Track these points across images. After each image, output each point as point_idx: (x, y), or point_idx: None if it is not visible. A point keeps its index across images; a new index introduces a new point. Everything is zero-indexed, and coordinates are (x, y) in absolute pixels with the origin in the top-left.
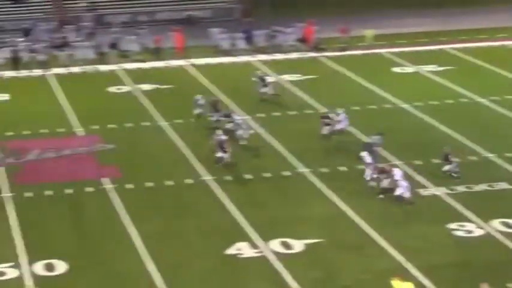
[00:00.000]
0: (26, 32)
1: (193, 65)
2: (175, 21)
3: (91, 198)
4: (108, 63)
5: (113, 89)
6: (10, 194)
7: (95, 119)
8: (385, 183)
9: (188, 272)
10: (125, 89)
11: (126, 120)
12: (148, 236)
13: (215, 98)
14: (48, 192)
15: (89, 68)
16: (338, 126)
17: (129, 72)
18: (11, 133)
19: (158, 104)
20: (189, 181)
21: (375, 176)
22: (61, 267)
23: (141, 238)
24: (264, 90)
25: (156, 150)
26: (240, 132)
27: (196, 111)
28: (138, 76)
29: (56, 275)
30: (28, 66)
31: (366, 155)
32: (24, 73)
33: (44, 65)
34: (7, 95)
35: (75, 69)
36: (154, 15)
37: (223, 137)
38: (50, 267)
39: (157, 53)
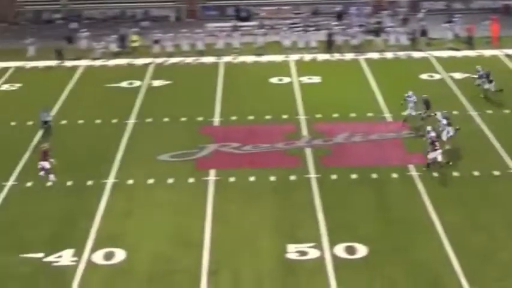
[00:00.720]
0: (339, 16)
1: (507, 55)
2: (490, 10)
3: (396, 185)
4: (420, 50)
5: (424, 76)
6: (316, 176)
7: (404, 105)
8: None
9: (492, 265)
10: (436, 76)
11: (435, 107)
12: (452, 225)
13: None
14: (353, 176)
15: (401, 53)
16: None
17: (440, 59)
18: (319, 115)
19: (468, 93)
20: (496, 173)
21: None
22: (362, 251)
23: (444, 227)
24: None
25: (465, 140)
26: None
27: (409, 108)
28: (450, 64)
29: (356, 259)
30: (341, 49)
31: None
32: (336, 56)
33: (357, 49)
34: (319, 77)
35: (388, 55)
36: (469, 4)
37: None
38: (350, 251)
39: (469, 42)
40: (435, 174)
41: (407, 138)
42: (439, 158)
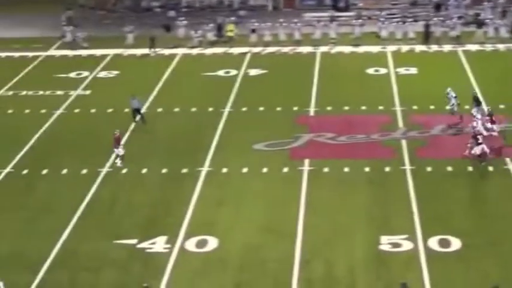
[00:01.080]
0: (437, 7)
1: None
2: None
3: (492, 178)
4: None
5: None
6: (410, 167)
7: (503, 98)
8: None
9: None
10: None
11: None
12: None
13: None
14: (449, 168)
15: (501, 46)
16: None
17: None
18: (416, 107)
19: None
20: None
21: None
22: (455, 244)
23: None
24: None
25: None
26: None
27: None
28: None
29: (449, 252)
30: (439, 41)
31: None
32: (434, 48)
33: (455, 40)
34: (416, 68)
35: (488, 47)
36: None
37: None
38: (444, 243)
39: None
40: None
41: (506, 131)
42: (485, 149)
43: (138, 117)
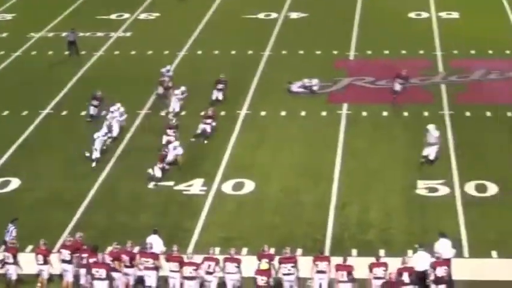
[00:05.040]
0: None
1: None
2: None
3: None
4: None
5: None
6: (449, 112)
7: None
8: None
9: None
10: None
11: None
12: None
13: None
14: (488, 113)
15: None
16: None
17: None
18: (456, 51)
19: None
20: None
21: None
22: (492, 189)
23: None
24: None
25: None
26: None
27: None
28: None
29: (486, 197)
30: None
31: None
32: None
33: None
34: (458, 13)
35: None
36: None
37: None
38: (480, 188)
39: None
40: None
41: None
42: None
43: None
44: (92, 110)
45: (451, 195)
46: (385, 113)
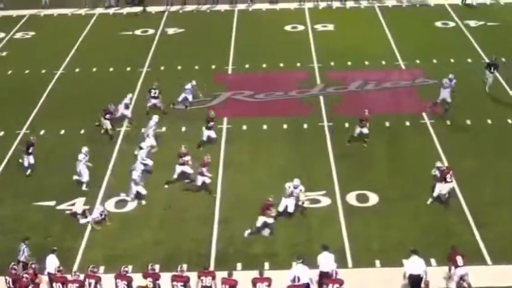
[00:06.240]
0: None
1: None
2: None
3: (409, 132)
4: None
5: (438, 24)
6: (328, 124)
7: (419, 53)
8: None
9: (497, 214)
10: (451, 24)
11: (450, 55)
12: (464, 173)
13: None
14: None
15: (417, 1)
16: None
17: (455, 7)
18: (333, 63)
19: (483, 41)
20: (510, 121)
21: None
22: (373, 198)
23: (456, 175)
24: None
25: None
26: None
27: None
28: (465, 12)
29: (367, 206)
30: None
31: None
32: (351, 4)
33: None
34: (333, 25)
35: (404, 3)
36: None
37: None
38: (362, 199)
39: None
40: (448, 122)
41: (421, 86)
42: None
43: None
44: None
45: (333, 206)
46: (264, 126)
